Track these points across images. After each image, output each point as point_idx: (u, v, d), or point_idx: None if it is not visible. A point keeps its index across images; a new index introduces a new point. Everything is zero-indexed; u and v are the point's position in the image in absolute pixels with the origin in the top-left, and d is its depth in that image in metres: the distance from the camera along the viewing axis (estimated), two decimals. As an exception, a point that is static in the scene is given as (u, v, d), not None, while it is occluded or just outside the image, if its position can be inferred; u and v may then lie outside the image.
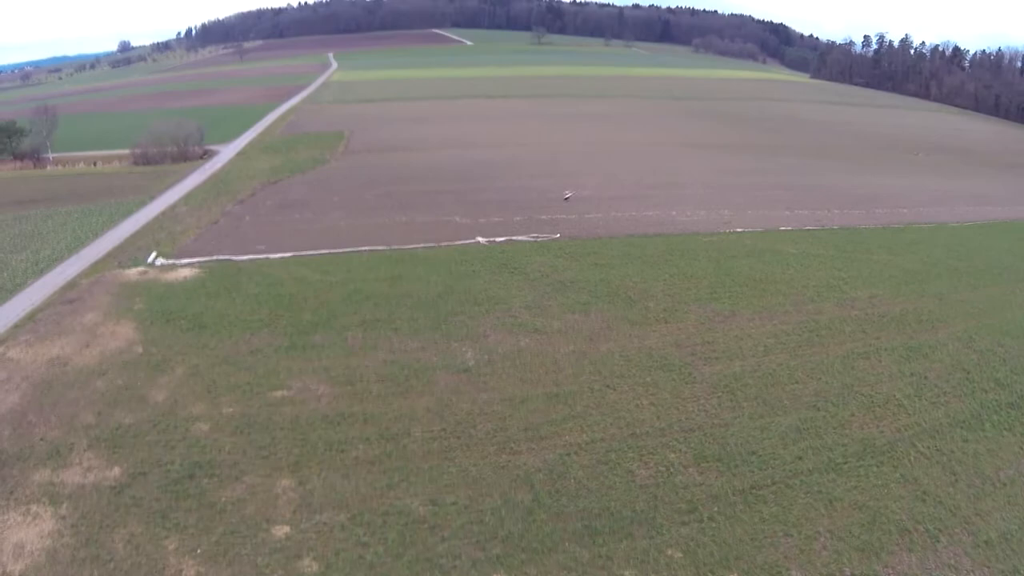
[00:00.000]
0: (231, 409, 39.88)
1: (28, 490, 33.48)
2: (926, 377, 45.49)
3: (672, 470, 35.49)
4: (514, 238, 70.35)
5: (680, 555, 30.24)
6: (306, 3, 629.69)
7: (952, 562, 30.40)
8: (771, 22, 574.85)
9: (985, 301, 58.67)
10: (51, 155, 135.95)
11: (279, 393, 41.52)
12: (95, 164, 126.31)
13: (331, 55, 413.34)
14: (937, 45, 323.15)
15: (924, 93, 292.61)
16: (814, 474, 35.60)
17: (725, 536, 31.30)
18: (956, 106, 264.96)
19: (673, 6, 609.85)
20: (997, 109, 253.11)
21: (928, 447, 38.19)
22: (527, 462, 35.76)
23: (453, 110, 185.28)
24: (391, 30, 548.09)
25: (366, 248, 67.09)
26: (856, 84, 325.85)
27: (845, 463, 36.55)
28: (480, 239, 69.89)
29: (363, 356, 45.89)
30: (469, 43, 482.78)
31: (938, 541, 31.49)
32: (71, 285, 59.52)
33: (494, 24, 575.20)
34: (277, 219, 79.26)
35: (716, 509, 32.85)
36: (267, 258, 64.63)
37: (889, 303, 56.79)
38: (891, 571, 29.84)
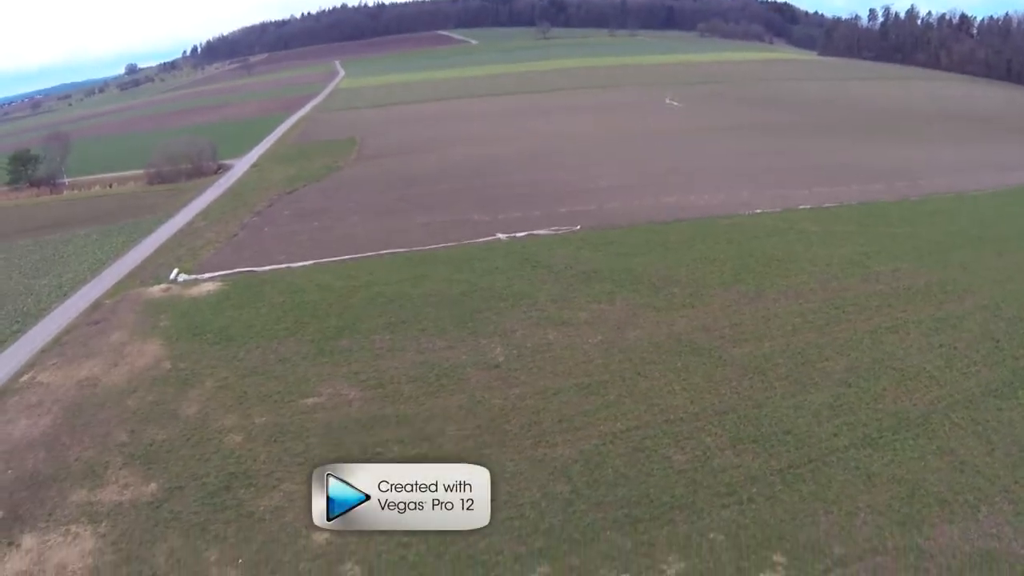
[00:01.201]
0: (263, 419, 39.98)
1: (66, 511, 33.64)
2: (955, 347, 44.96)
3: (709, 454, 35.30)
4: (534, 232, 70.29)
5: (722, 538, 30.06)
6: (309, 13, 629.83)
7: (994, 531, 30.01)
8: (775, 2, 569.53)
9: (1011, 268, 57.97)
10: (66, 180, 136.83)
11: (310, 400, 41.61)
12: (111, 186, 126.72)
13: (338, 63, 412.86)
14: (944, 13, 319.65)
15: (934, 63, 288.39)
16: (850, 450, 35.26)
17: (766, 517, 31.08)
18: (967, 74, 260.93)
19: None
20: (1009, 74, 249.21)
21: (962, 417, 37.73)
22: (563, 454, 35.63)
23: (463, 109, 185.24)
24: (396, 34, 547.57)
25: (387, 251, 67.17)
26: (865, 58, 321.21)
27: (880, 437, 36.18)
28: (500, 235, 69.85)
29: (391, 358, 45.89)
30: (474, 42, 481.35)
31: (978, 511, 31.07)
32: (95, 306, 59.94)
33: (498, 22, 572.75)
34: (296, 228, 79.54)
35: (755, 490, 32.63)
36: (288, 267, 64.84)
37: (914, 275, 56.32)
38: (933, 543, 29.46)
